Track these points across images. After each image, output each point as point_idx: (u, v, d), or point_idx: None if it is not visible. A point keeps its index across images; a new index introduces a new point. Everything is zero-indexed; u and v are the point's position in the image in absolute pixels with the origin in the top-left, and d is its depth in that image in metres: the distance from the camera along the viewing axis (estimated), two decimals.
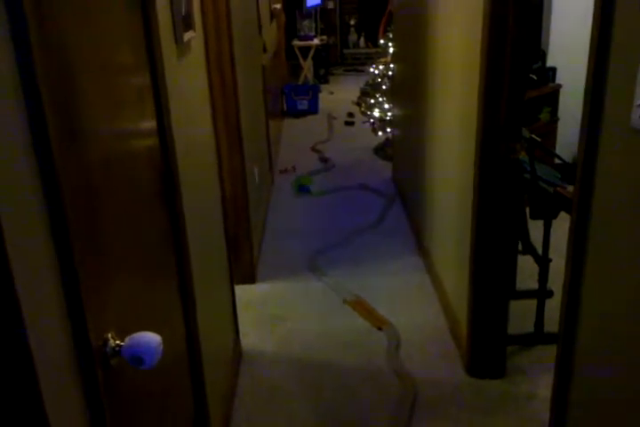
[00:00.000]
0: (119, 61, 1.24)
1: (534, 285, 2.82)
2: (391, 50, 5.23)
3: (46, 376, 0.81)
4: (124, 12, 1.28)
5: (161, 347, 1.07)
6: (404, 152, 4.54)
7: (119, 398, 1.08)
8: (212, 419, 1.93)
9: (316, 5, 8.98)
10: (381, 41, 5.82)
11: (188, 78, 1.94)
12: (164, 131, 1.49)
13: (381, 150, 5.85)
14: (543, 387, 2.45)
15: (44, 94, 0.81)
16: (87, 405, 0.96)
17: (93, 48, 1.07)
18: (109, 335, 1.02)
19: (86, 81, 1.03)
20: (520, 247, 2.74)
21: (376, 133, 5.76)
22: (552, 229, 2.71)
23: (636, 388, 1.32)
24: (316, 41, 8.64)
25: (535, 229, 2.81)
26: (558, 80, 4.46)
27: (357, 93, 6.33)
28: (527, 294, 2.88)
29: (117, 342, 1.03)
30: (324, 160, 5.76)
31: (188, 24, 1.89)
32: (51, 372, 0.84)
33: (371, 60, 6.35)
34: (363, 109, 5.96)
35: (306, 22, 8.80)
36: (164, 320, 1.46)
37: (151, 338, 1.06)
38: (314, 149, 6.10)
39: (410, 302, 3.24)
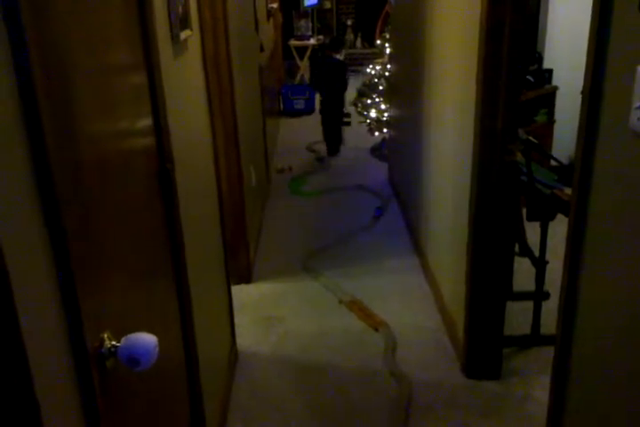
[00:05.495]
0: (115, 60, 1.23)
1: (531, 286, 2.82)
2: (388, 50, 5.23)
3: (41, 376, 0.80)
4: (121, 10, 1.27)
5: (157, 348, 1.06)
6: (401, 153, 4.53)
7: (115, 399, 1.08)
8: (207, 420, 1.92)
9: (313, 5, 8.98)
10: (378, 41, 5.82)
11: (184, 77, 1.93)
12: (160, 130, 1.48)
13: (378, 151, 5.85)
14: (539, 389, 2.44)
15: (40, 93, 0.81)
16: (82, 406, 0.95)
17: (90, 47, 1.06)
18: (105, 336, 1.01)
19: (82, 80, 1.02)
20: (517, 249, 2.74)
21: (372, 134, 5.76)
22: (549, 231, 2.71)
23: (633, 390, 1.32)
24: (312, 41, 8.64)
25: (532, 231, 2.81)
26: (555, 82, 4.47)
27: (354, 94, 6.32)
28: (524, 296, 2.88)
29: (113, 342, 1.02)
30: (320, 160, 5.76)
31: (184, 23, 1.88)
32: (46, 372, 0.83)
33: (367, 60, 6.34)
34: (359, 110, 5.96)
35: (302, 22, 8.80)
36: (160, 321, 1.46)
37: (147, 339, 1.05)
38: (310, 149, 6.10)
39: (406, 303, 3.23)
